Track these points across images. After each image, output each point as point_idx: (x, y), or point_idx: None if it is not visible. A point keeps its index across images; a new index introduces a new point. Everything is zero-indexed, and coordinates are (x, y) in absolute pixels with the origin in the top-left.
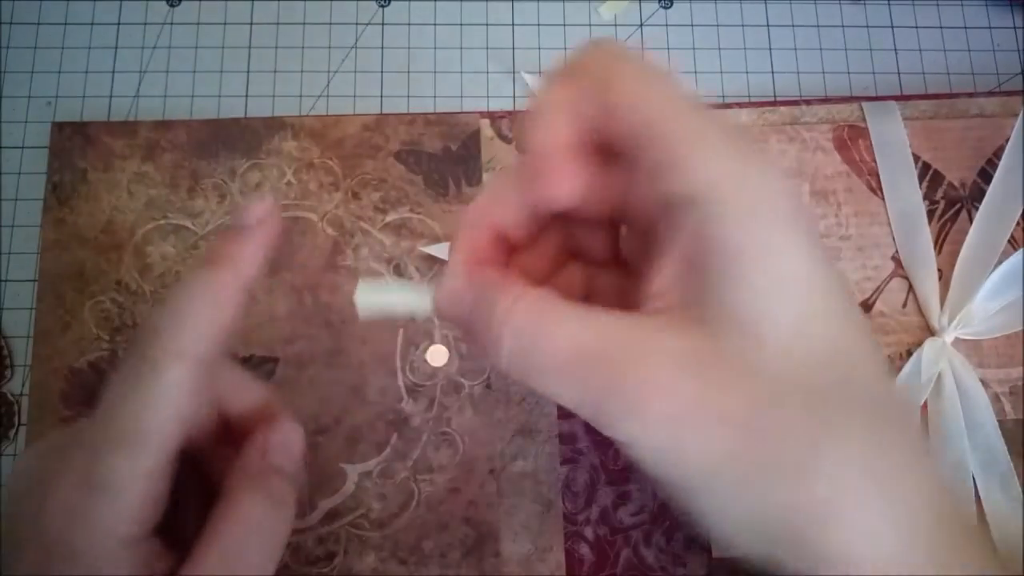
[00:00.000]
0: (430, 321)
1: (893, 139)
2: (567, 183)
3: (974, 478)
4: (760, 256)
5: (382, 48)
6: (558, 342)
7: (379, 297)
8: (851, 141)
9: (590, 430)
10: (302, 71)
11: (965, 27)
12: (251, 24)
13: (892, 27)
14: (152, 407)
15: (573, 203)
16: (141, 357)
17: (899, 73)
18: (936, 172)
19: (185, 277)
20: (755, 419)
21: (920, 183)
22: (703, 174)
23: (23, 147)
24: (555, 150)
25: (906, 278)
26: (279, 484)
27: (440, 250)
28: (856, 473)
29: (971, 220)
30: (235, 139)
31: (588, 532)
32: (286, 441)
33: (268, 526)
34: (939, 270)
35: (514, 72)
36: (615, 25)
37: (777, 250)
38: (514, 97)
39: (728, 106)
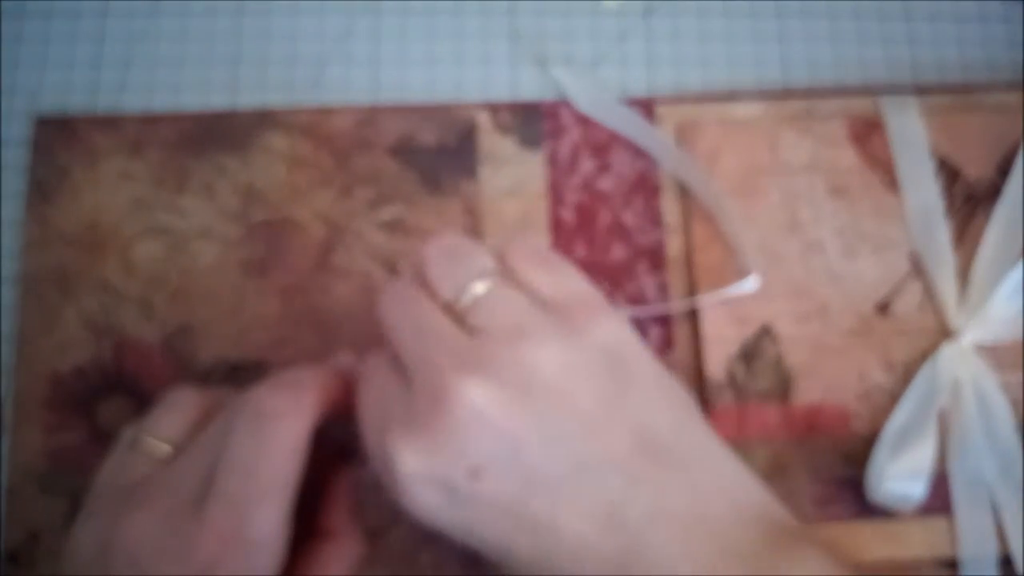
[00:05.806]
0: None
1: (910, 134)
2: None
3: (991, 486)
4: None
5: (378, 38)
6: None
7: None
8: (866, 136)
9: None
10: (293, 61)
11: (982, 19)
12: (241, 14)
13: (907, 20)
14: (289, 459)
15: None
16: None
17: (913, 66)
18: (954, 168)
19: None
20: None
21: (937, 179)
22: None
23: (2, 142)
24: None
25: (923, 277)
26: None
27: None
28: None
29: (989, 217)
30: (224, 135)
31: None
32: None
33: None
34: (957, 269)
35: (513, 62)
36: (619, 14)
37: None
38: (512, 88)
39: (737, 97)
